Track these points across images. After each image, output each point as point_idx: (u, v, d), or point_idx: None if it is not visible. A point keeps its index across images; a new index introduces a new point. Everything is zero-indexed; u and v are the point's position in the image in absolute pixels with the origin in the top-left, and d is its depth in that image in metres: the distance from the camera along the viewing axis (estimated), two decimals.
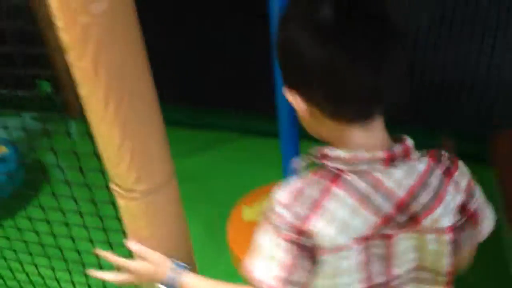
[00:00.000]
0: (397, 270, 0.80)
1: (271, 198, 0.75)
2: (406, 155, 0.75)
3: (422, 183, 0.76)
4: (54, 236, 1.25)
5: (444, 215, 0.78)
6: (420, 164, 0.77)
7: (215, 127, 2.62)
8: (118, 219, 0.91)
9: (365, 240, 0.75)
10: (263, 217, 0.76)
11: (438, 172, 0.78)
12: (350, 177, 0.73)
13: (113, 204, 0.89)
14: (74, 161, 1.15)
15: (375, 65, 0.69)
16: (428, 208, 0.77)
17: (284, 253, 0.73)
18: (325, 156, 0.75)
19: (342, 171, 0.73)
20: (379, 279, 0.79)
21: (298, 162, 0.81)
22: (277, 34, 0.74)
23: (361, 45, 0.68)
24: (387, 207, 0.74)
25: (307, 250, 0.73)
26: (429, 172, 0.77)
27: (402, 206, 0.75)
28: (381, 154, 0.73)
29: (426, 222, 0.77)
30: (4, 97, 1.35)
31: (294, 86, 0.74)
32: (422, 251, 0.81)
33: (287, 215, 0.73)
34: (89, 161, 1.07)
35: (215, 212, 2.13)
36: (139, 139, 0.72)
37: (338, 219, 0.73)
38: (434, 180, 0.77)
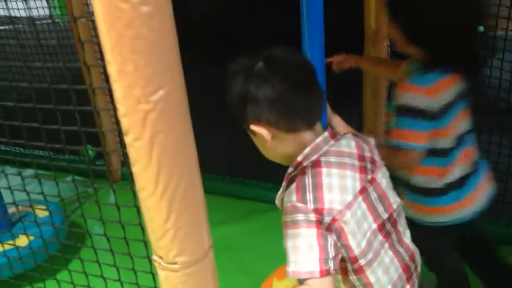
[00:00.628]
0: (393, 205, 1.07)
1: (285, 208, 0.97)
2: (337, 132, 1.08)
3: (357, 141, 1.07)
4: None
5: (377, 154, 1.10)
6: (346, 133, 1.08)
7: (251, 197, 2.65)
8: None
9: (362, 191, 1.01)
10: (285, 226, 0.96)
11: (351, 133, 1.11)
12: (322, 158, 1.00)
13: (152, 273, 0.92)
14: (114, 228, 1.20)
15: (310, 90, 1.01)
16: (372, 152, 1.08)
17: (317, 237, 0.92)
18: (299, 163, 1.01)
19: (315, 160, 0.99)
20: (384, 215, 1.05)
21: (278, 196, 1.06)
22: (232, 89, 1.01)
23: (294, 79, 0.99)
24: (356, 163, 1.02)
25: (330, 227, 0.94)
26: (353, 134, 1.09)
27: (362, 157, 1.04)
28: (326, 134, 1.03)
29: (379, 161, 1.08)
30: (49, 160, 1.43)
31: (256, 120, 1.00)
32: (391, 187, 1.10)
33: (305, 205, 0.94)
34: (127, 228, 1.12)
35: (246, 282, 2.11)
36: (183, 214, 0.76)
37: (336, 186, 0.97)
38: (356, 137, 1.08)
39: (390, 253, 1.06)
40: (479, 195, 1.43)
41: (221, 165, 2.61)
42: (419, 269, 1.15)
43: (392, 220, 1.07)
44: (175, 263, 0.80)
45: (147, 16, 0.59)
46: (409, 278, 1.11)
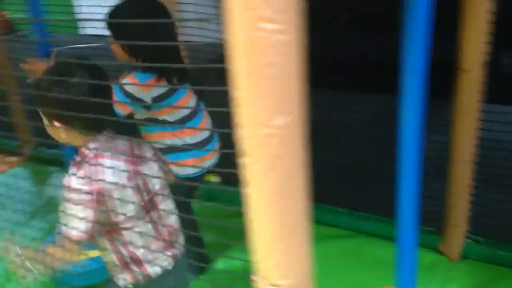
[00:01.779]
0: (155, 186, 1.42)
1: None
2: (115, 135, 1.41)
3: (130, 142, 1.42)
4: None
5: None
6: (123, 136, 1.39)
7: (328, 223, 2.60)
8: None
9: (130, 178, 1.35)
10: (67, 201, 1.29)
11: None
12: (104, 152, 1.31)
13: None
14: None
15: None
16: (142, 150, 1.45)
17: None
18: (85, 155, 1.30)
19: (97, 153, 1.31)
20: (146, 197, 1.40)
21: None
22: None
23: (85, 88, 1.25)
24: (127, 157, 1.36)
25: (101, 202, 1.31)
26: (128, 139, 1.43)
27: (131, 153, 1.40)
28: (107, 133, 1.34)
29: (147, 157, 1.45)
30: None
31: (56, 118, 1.29)
32: None
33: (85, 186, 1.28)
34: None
35: None
36: (290, 237, 0.77)
37: (111, 172, 1.31)
38: (130, 140, 1.44)
39: (150, 225, 1.39)
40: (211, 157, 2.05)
41: None
42: (180, 245, 1.47)
43: (153, 200, 1.40)
44: (277, 286, 0.80)
45: (281, 44, 0.61)
46: (169, 247, 1.43)
